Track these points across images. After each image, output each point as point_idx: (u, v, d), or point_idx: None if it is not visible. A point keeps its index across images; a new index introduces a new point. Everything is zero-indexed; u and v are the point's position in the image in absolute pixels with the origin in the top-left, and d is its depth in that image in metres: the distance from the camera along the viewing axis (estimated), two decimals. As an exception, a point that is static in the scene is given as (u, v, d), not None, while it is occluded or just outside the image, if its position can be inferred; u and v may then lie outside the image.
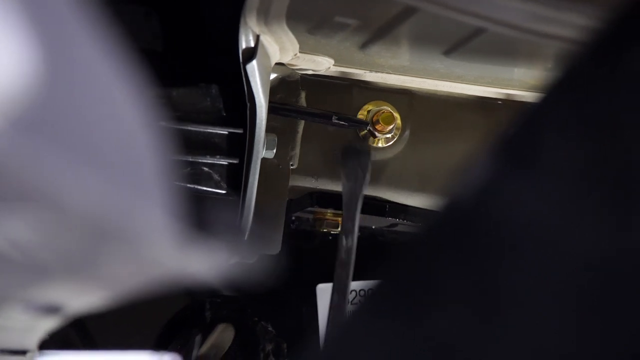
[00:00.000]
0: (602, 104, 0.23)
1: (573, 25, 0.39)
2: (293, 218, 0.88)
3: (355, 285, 0.89)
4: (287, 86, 0.77)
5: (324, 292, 0.91)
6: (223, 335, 0.95)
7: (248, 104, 0.65)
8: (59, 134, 0.14)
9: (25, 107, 0.13)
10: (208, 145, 0.67)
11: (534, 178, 0.25)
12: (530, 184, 0.25)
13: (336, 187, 0.80)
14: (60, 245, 0.17)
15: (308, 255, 0.96)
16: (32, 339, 0.45)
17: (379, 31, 0.58)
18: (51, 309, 0.30)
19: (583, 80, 0.24)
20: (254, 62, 0.61)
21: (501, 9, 0.40)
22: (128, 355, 0.87)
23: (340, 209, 0.84)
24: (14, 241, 0.18)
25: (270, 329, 0.95)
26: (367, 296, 0.26)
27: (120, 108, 0.15)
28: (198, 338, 0.93)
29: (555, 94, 0.24)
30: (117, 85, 0.15)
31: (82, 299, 0.29)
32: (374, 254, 0.98)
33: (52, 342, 0.60)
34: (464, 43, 0.57)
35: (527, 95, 0.75)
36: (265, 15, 0.57)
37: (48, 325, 0.36)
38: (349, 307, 0.91)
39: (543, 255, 0.25)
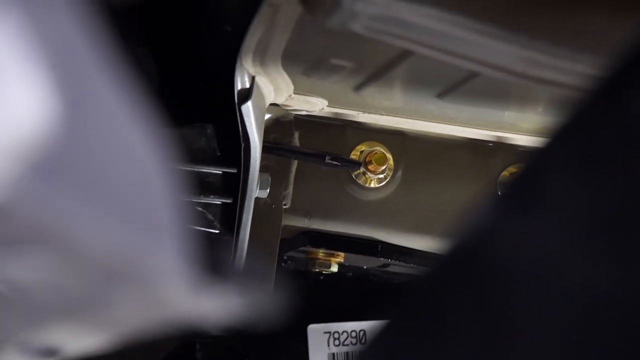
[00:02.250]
0: (604, 147, 0.23)
1: (568, 72, 0.40)
2: (285, 257, 0.88)
3: (349, 326, 0.89)
4: (281, 126, 0.78)
5: (315, 332, 0.90)
6: (213, 376, 0.94)
7: (242, 144, 0.65)
8: (75, 177, 0.14)
9: (43, 151, 0.13)
10: (202, 185, 0.67)
11: (537, 219, 0.25)
12: (533, 225, 0.25)
13: (328, 227, 0.80)
14: (67, 287, 0.17)
15: (300, 295, 0.96)
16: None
17: (373, 73, 0.59)
18: (49, 352, 0.29)
19: (586, 124, 0.24)
20: (249, 102, 0.62)
21: (497, 54, 0.40)
22: None
23: (332, 248, 0.85)
24: (16, 283, 0.18)
25: (260, 370, 0.94)
26: (379, 334, 0.26)
27: (135, 150, 0.15)
28: (188, 379, 0.92)
29: (560, 137, 0.25)
30: (132, 127, 0.15)
31: (81, 341, 0.29)
32: (366, 294, 0.98)
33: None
34: (457, 86, 0.58)
35: (517, 138, 0.76)
36: (262, 57, 0.58)
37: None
38: (339, 349, 0.90)
39: (545, 296, 0.25)
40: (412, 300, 0.26)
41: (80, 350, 0.31)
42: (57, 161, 0.13)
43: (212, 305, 0.18)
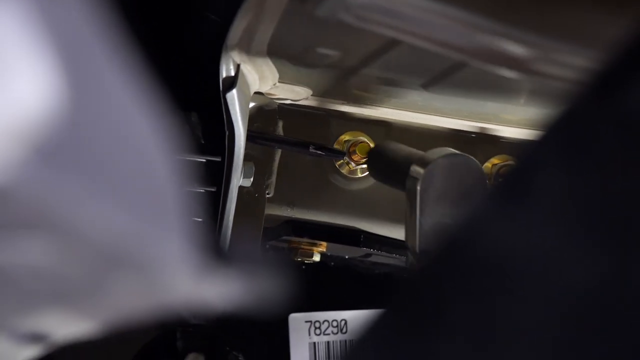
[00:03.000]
0: (598, 141, 0.23)
1: (563, 64, 0.40)
2: (268, 246, 0.88)
3: (330, 315, 0.89)
4: (264, 115, 0.78)
5: (296, 321, 0.91)
6: (194, 365, 0.94)
7: (227, 132, 0.65)
8: (79, 162, 0.14)
9: (48, 135, 0.13)
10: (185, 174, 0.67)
11: (528, 213, 0.26)
12: (524, 220, 0.26)
13: (311, 216, 0.80)
14: (63, 273, 0.16)
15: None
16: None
17: (360, 63, 0.59)
18: (36, 338, 0.29)
19: (581, 117, 0.24)
20: (234, 91, 0.62)
21: (486, 46, 0.40)
22: None
23: (315, 238, 0.85)
24: (10, 268, 0.18)
25: (241, 358, 0.95)
26: (371, 328, 0.26)
27: (140, 135, 0.15)
28: (169, 368, 0.91)
29: (553, 130, 0.25)
30: (138, 113, 0.15)
31: (69, 328, 0.29)
32: (348, 284, 0.98)
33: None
34: (443, 77, 0.58)
35: (500, 130, 0.76)
36: (248, 45, 0.58)
37: (25, 355, 0.36)
38: (320, 338, 0.90)
39: (538, 291, 0.25)
40: (404, 296, 0.26)
41: (68, 337, 0.31)
42: (61, 146, 0.13)
43: (214, 291, 0.18)
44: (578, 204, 0.24)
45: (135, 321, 0.24)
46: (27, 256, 0.17)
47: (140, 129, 0.15)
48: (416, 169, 0.59)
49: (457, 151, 0.61)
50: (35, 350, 0.33)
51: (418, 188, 0.57)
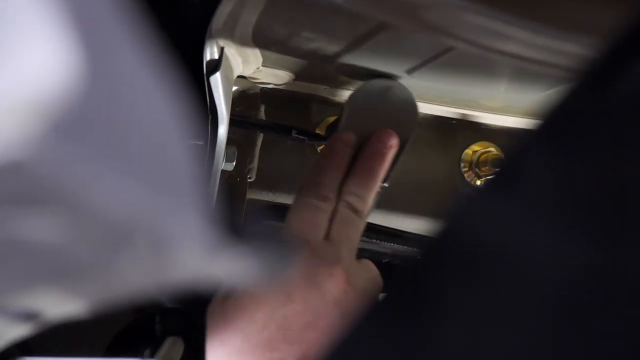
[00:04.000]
0: (588, 129, 0.24)
1: (554, 51, 0.41)
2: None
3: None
4: (247, 99, 0.77)
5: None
6: (172, 349, 0.94)
7: (210, 116, 0.65)
8: (96, 137, 0.14)
9: (66, 109, 0.13)
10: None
11: (513, 199, 0.26)
12: (509, 206, 0.26)
13: (292, 200, 0.80)
14: (70, 251, 0.16)
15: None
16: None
17: (344, 47, 0.59)
18: (28, 317, 0.29)
19: (572, 105, 0.24)
20: (218, 74, 0.61)
21: (476, 29, 0.41)
22: None
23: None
24: (15, 244, 0.18)
25: (220, 343, 0.95)
26: (368, 314, 0.26)
27: (157, 112, 0.15)
28: (147, 352, 0.91)
29: (545, 118, 0.25)
30: (155, 90, 0.15)
31: (62, 307, 0.29)
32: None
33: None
34: (428, 62, 0.58)
35: (480, 116, 0.77)
36: (233, 28, 0.57)
37: (15, 333, 0.35)
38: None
39: (522, 277, 0.25)
40: (399, 283, 0.27)
41: (59, 316, 0.31)
42: (78, 120, 0.13)
43: (226, 268, 0.18)
44: (568, 195, 0.24)
45: (136, 299, 0.24)
46: (36, 233, 0.17)
47: (156, 105, 0.15)
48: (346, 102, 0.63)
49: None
50: (24, 329, 0.33)
51: (344, 108, 0.61)
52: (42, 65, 0.13)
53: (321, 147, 0.78)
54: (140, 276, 0.19)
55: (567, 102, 0.24)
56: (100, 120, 0.14)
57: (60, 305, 0.28)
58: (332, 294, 0.51)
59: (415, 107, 0.63)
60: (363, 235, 0.83)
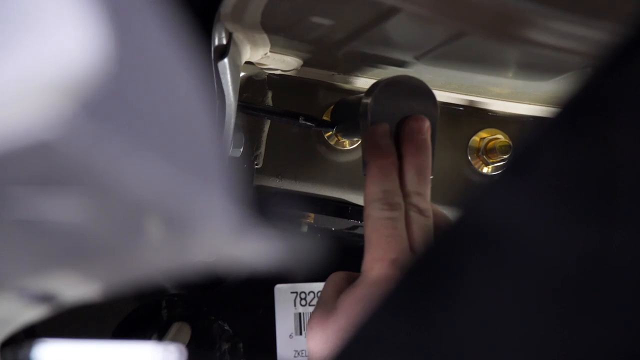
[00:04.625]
0: (605, 117, 0.24)
1: (555, 32, 0.41)
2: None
3: (316, 286, 0.90)
4: (254, 85, 0.77)
5: (282, 292, 0.91)
6: (179, 334, 0.95)
7: (217, 102, 0.65)
8: (123, 118, 0.14)
9: (95, 89, 0.13)
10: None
11: (526, 184, 0.26)
12: (521, 190, 0.26)
13: (299, 187, 0.80)
14: (98, 230, 0.17)
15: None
16: (3, 331, 0.44)
17: (353, 32, 0.58)
18: (45, 298, 0.29)
19: (590, 94, 0.24)
20: (226, 60, 0.61)
21: (487, 14, 0.41)
22: (127, 345, 0.85)
23: (302, 209, 0.85)
24: (38, 225, 0.18)
25: (226, 328, 0.95)
26: (388, 293, 0.27)
27: (183, 92, 0.15)
28: (154, 337, 0.92)
29: (567, 106, 0.25)
30: (182, 72, 0.15)
31: (78, 289, 0.29)
32: (334, 256, 0.99)
33: None
34: (437, 48, 0.58)
35: (488, 103, 0.77)
36: (241, 13, 0.57)
37: (31, 315, 0.36)
38: (305, 309, 0.91)
39: (532, 261, 0.26)
40: (418, 265, 0.27)
41: (73, 299, 0.31)
42: (106, 100, 0.13)
43: (248, 250, 0.18)
44: (581, 182, 0.24)
45: (150, 283, 0.24)
46: (57, 213, 0.17)
47: (182, 87, 0.15)
48: (365, 99, 0.62)
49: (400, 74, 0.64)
50: (40, 310, 0.33)
51: (368, 104, 0.60)
52: (71, 46, 0.13)
53: (328, 134, 0.78)
54: (161, 257, 0.19)
55: (587, 88, 0.24)
56: (127, 100, 0.14)
57: (76, 288, 0.28)
58: None
59: (434, 99, 0.63)
60: (358, 220, 0.83)
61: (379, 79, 0.74)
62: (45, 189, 0.15)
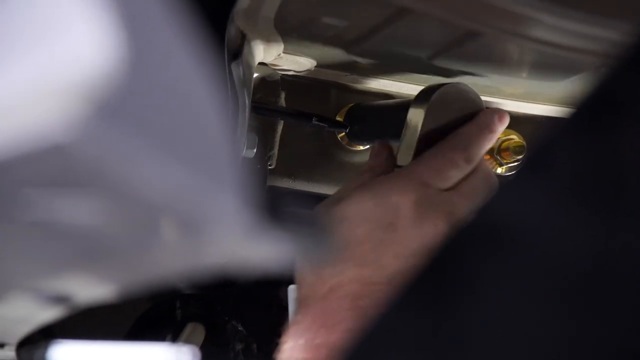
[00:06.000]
0: (622, 117, 0.24)
1: (568, 32, 0.41)
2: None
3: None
4: (267, 86, 0.78)
5: (295, 293, 0.91)
6: (193, 334, 0.95)
7: (231, 103, 0.65)
8: (138, 120, 0.14)
9: (110, 92, 0.13)
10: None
11: (541, 184, 0.26)
12: (536, 190, 0.26)
13: (313, 188, 0.80)
14: (112, 233, 0.17)
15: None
16: (19, 332, 0.44)
17: (366, 33, 0.58)
18: (60, 300, 0.29)
19: (606, 95, 0.24)
20: (239, 60, 0.61)
21: (496, 13, 0.40)
22: (140, 346, 0.86)
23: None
24: (53, 227, 0.18)
25: (240, 328, 0.95)
26: (399, 292, 0.27)
27: (197, 94, 0.15)
28: (169, 337, 0.92)
29: (583, 104, 0.25)
30: (196, 74, 0.15)
31: (93, 291, 0.29)
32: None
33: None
34: (449, 49, 0.58)
35: (502, 103, 0.76)
36: (255, 15, 0.57)
37: (46, 316, 0.36)
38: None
39: (542, 255, 0.26)
40: (435, 263, 0.27)
41: (88, 300, 0.31)
42: (121, 103, 0.13)
43: (262, 252, 0.18)
44: (596, 183, 0.24)
45: (164, 283, 0.24)
46: (72, 215, 0.17)
47: (196, 88, 0.15)
48: (416, 107, 0.62)
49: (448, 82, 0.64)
50: (55, 311, 0.34)
51: (424, 112, 0.60)
52: (85, 49, 0.13)
53: (342, 134, 0.78)
54: (174, 258, 0.19)
55: (602, 88, 0.24)
56: (141, 102, 0.14)
57: (91, 289, 0.28)
58: (430, 240, 0.53)
59: (482, 106, 0.63)
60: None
61: (394, 82, 0.74)
62: (60, 191, 0.15)
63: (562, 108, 0.75)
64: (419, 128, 0.60)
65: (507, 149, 0.77)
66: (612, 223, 0.24)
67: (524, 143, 0.76)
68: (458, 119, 0.61)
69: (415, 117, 0.61)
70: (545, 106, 0.76)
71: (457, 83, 0.62)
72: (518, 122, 0.78)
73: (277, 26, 0.61)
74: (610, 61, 0.24)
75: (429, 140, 0.60)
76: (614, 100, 0.24)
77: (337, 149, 0.79)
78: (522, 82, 0.71)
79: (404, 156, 0.61)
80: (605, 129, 0.24)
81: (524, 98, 0.75)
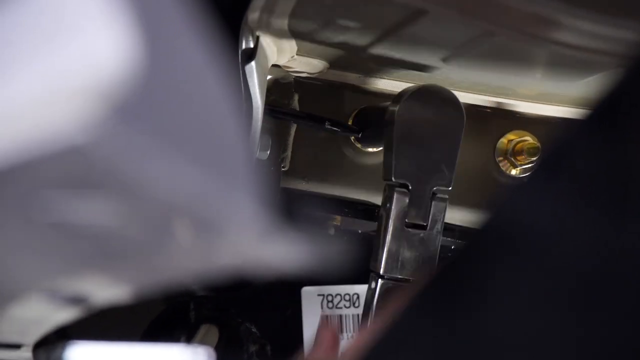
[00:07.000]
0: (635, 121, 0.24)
1: (583, 32, 0.40)
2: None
3: (343, 289, 0.90)
4: (280, 88, 0.78)
5: (309, 294, 0.91)
6: (207, 336, 0.95)
7: (244, 105, 0.65)
8: (154, 121, 0.14)
9: (126, 94, 0.13)
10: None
11: (555, 186, 0.26)
12: (550, 193, 0.26)
13: (326, 190, 0.80)
14: (127, 234, 0.17)
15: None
16: (36, 333, 0.44)
17: (380, 35, 0.58)
18: (76, 300, 0.30)
19: (622, 96, 0.24)
20: (253, 63, 0.62)
21: (511, 14, 0.40)
22: (155, 347, 0.86)
23: (329, 212, 0.85)
24: (69, 228, 0.18)
25: (254, 330, 0.95)
26: (415, 297, 0.27)
27: (212, 96, 0.15)
28: (183, 339, 0.92)
29: (599, 106, 0.25)
30: (210, 76, 0.15)
31: (108, 291, 0.29)
32: (361, 258, 0.99)
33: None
34: (464, 50, 0.58)
35: (516, 104, 0.76)
36: (269, 17, 0.57)
37: (62, 317, 0.36)
38: (332, 312, 0.91)
39: (555, 259, 0.26)
40: (448, 268, 0.27)
41: (104, 301, 0.31)
42: (137, 105, 0.13)
43: (276, 254, 0.18)
44: (611, 185, 0.24)
45: (178, 285, 0.24)
46: (91, 217, 0.17)
47: (211, 90, 0.15)
48: (392, 106, 0.63)
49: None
50: (71, 312, 0.34)
51: (396, 112, 0.62)
52: (102, 50, 0.13)
53: (354, 137, 0.78)
54: (188, 259, 0.19)
55: (617, 90, 0.24)
56: (157, 104, 0.14)
57: (106, 290, 0.28)
58: None
59: (461, 109, 0.64)
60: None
61: (407, 83, 0.74)
62: (77, 192, 0.15)
63: (576, 109, 0.75)
64: (395, 128, 0.62)
65: (521, 151, 0.76)
66: (619, 224, 0.24)
67: (538, 145, 0.76)
68: (433, 117, 0.62)
69: (390, 116, 0.63)
70: (559, 107, 0.75)
71: (433, 84, 0.64)
72: (532, 123, 0.77)
73: (291, 28, 0.61)
74: (625, 62, 0.24)
75: (409, 137, 0.62)
76: (627, 102, 0.24)
77: (350, 151, 0.79)
78: (537, 83, 0.70)
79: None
80: (619, 130, 0.24)
81: (539, 99, 0.75)
